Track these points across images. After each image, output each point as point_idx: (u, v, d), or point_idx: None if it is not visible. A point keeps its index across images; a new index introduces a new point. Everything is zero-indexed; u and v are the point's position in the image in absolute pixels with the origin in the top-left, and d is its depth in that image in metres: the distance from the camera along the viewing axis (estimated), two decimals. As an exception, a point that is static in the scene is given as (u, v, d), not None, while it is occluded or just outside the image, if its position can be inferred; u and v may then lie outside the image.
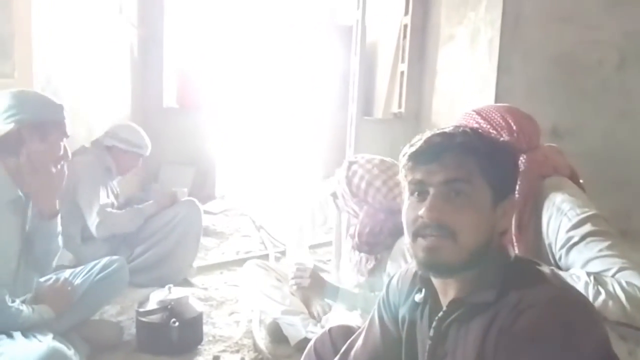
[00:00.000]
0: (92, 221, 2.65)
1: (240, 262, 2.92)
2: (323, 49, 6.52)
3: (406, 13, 5.25)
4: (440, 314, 1.02)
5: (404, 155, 1.02)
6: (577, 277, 1.21)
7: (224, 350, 2.22)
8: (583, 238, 1.27)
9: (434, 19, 4.93)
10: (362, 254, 2.01)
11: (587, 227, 1.28)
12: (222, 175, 5.75)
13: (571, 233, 1.29)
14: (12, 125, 1.69)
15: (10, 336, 1.59)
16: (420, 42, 5.14)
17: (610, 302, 1.15)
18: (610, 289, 1.17)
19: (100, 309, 2.30)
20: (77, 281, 2.10)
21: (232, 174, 6.61)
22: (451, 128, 1.02)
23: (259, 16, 7.91)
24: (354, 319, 1.89)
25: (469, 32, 4.14)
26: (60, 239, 1.95)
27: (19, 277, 1.76)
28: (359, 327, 1.51)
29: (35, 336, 1.64)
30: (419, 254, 0.98)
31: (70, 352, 1.56)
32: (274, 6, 7.86)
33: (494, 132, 1.44)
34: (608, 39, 3.72)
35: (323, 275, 2.22)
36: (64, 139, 1.83)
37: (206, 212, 4.45)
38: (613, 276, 1.20)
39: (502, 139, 1.35)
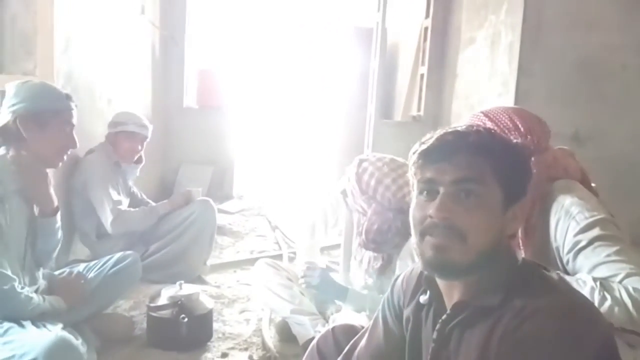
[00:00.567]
0: (106, 218, 2.70)
1: (253, 262, 2.92)
2: (343, 50, 6.51)
3: (427, 16, 5.23)
4: (444, 316, 1.00)
5: (414, 153, 1.00)
6: (583, 282, 1.19)
7: (232, 348, 2.23)
8: (591, 242, 1.24)
9: (454, 22, 4.90)
10: (370, 253, 2.01)
11: (596, 232, 1.25)
12: (240, 175, 5.79)
13: (579, 237, 1.26)
14: (10, 116, 1.74)
15: (20, 325, 1.62)
16: (441, 45, 5.11)
17: (617, 308, 1.13)
18: (617, 294, 1.14)
19: (112, 302, 2.33)
20: (91, 275, 2.14)
21: (250, 174, 6.65)
22: (464, 127, 1.00)
23: (280, 17, 7.95)
24: (361, 319, 1.88)
25: (489, 36, 4.10)
26: (60, 233, 1.97)
27: (25, 267, 1.80)
28: (363, 326, 1.50)
29: (45, 326, 1.67)
30: (427, 252, 0.96)
31: (78, 342, 1.58)
32: (295, 7, 7.88)
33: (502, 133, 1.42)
34: (631, 43, 3.65)
35: (332, 275, 2.22)
36: (69, 128, 1.86)
37: (223, 211, 4.50)
38: (620, 282, 1.17)
39: (515, 140, 1.32)
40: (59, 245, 2.00)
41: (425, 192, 0.98)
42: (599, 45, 3.63)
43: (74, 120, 1.89)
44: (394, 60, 6.42)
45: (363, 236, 1.93)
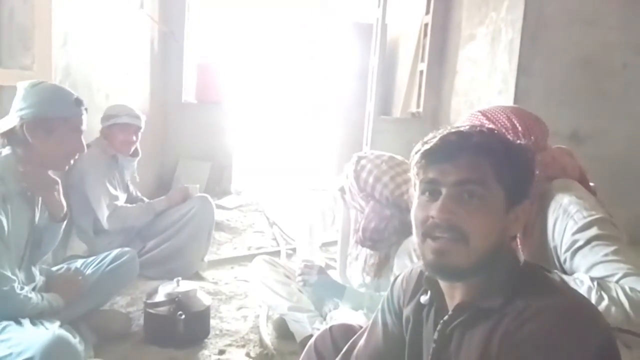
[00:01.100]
0: (102, 214, 2.69)
1: (251, 258, 2.93)
2: (342, 46, 6.50)
3: (427, 12, 5.22)
4: (446, 317, 1.00)
5: (416, 153, 0.99)
6: (581, 282, 1.19)
7: (230, 345, 2.23)
8: (588, 242, 1.24)
9: (455, 19, 4.89)
10: (367, 251, 2.00)
11: (593, 231, 1.25)
12: (238, 171, 5.78)
13: (577, 236, 1.26)
14: (18, 120, 1.71)
15: (18, 323, 1.62)
16: (441, 41, 5.10)
17: (613, 308, 1.12)
18: (614, 294, 1.14)
19: (110, 299, 2.33)
20: (88, 271, 2.13)
21: (249, 170, 6.64)
22: (467, 127, 0.99)
23: (279, 13, 7.93)
24: (358, 318, 1.88)
25: (489, 33, 4.09)
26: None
27: (22, 266, 1.79)
28: (361, 326, 1.50)
29: (42, 323, 1.67)
30: (428, 256, 0.96)
31: (75, 340, 1.58)
32: (294, 3, 7.86)
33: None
34: (633, 41, 3.64)
35: (330, 273, 2.22)
36: (78, 134, 1.83)
37: (221, 207, 4.49)
38: (617, 282, 1.17)
39: (519, 142, 1.32)
40: (58, 241, 2.00)
41: (427, 192, 0.98)
42: (600, 43, 3.63)
43: (84, 126, 1.85)
44: (394, 56, 6.41)
45: (360, 233, 1.93)
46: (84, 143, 1.87)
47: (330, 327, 1.49)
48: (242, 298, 2.74)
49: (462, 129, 0.99)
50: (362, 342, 1.24)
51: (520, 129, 1.39)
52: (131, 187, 3.06)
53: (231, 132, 5.43)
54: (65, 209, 1.90)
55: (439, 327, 1.01)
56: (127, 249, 2.31)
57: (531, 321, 0.86)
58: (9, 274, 1.64)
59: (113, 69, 3.53)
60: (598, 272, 1.20)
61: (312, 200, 4.99)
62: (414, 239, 1.01)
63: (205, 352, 2.15)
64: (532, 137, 1.39)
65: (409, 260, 1.74)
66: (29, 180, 1.77)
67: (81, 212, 2.74)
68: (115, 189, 2.81)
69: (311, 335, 2.02)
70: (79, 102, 1.82)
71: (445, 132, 0.98)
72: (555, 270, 1.25)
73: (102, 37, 3.27)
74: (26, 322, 1.64)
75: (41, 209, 1.86)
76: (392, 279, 1.79)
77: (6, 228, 1.64)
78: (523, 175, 0.98)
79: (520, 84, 3.66)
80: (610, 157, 3.60)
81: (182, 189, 3.11)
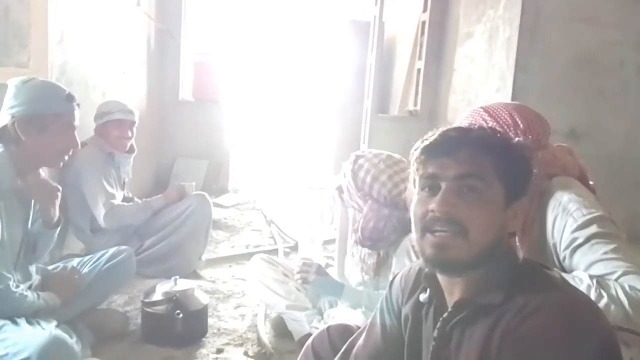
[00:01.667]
0: (99, 212, 2.68)
1: (249, 257, 2.92)
2: (340, 44, 6.49)
3: (425, 10, 5.20)
4: (446, 315, 1.00)
5: (417, 149, 1.00)
6: (580, 280, 1.19)
7: (228, 344, 2.22)
8: (588, 240, 1.24)
9: (452, 17, 4.88)
10: (366, 250, 2.00)
11: (593, 229, 1.25)
12: (236, 170, 5.77)
13: (576, 234, 1.26)
14: (9, 119, 1.70)
15: (15, 323, 1.61)
16: (439, 39, 5.09)
17: (613, 307, 1.12)
18: (613, 293, 1.14)
19: (107, 298, 2.32)
20: (85, 270, 2.13)
21: (246, 168, 6.63)
22: (467, 124, 1.01)
23: (276, 10, 7.91)
24: (356, 316, 1.87)
25: (487, 30, 4.09)
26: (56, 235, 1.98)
27: (18, 264, 1.78)
28: (359, 326, 1.50)
29: (39, 323, 1.66)
30: (427, 250, 0.96)
31: (72, 340, 1.58)
32: (292, 0, 7.85)
33: (501, 130, 1.41)
34: (630, 40, 3.65)
35: (329, 271, 2.22)
36: (71, 130, 1.82)
37: (218, 205, 4.48)
38: (617, 280, 1.17)
39: (518, 139, 1.32)
40: (53, 245, 1.99)
41: (427, 188, 0.98)
42: (597, 41, 3.63)
43: (76, 122, 1.83)
44: (391, 54, 6.39)
45: (359, 234, 1.93)
46: (78, 139, 1.86)
47: (328, 328, 1.48)
48: (240, 297, 2.73)
49: (462, 125, 1.00)
50: (361, 341, 1.23)
51: (522, 126, 1.39)
52: (125, 189, 3.05)
53: (229, 130, 5.42)
54: (57, 217, 1.88)
55: (438, 324, 1.01)
56: (124, 247, 2.30)
57: (532, 318, 0.86)
58: (4, 272, 1.63)
59: (110, 67, 3.52)
60: (597, 270, 1.20)
61: (310, 199, 4.98)
62: (413, 235, 1.02)
63: (203, 351, 2.15)
64: (534, 135, 1.39)
65: (408, 260, 1.74)
66: (31, 189, 1.77)
67: (78, 211, 2.73)
68: (112, 187, 2.80)
69: (309, 334, 2.02)
70: (70, 98, 1.80)
71: (445, 129, 0.99)
72: (555, 269, 1.25)
73: (98, 35, 3.25)
74: (23, 322, 1.63)
75: (34, 209, 1.86)
76: (390, 278, 1.79)
77: (0, 226, 1.63)
78: (522, 172, 0.99)
79: (518, 81, 3.66)
80: (608, 154, 3.60)
81: (179, 187, 3.10)
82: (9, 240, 1.69)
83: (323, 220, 2.39)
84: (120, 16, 3.73)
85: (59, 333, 1.55)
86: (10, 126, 1.71)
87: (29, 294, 1.72)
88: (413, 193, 1.03)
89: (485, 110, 1.45)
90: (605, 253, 1.21)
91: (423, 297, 1.08)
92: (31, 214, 1.84)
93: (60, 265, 2.13)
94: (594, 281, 1.17)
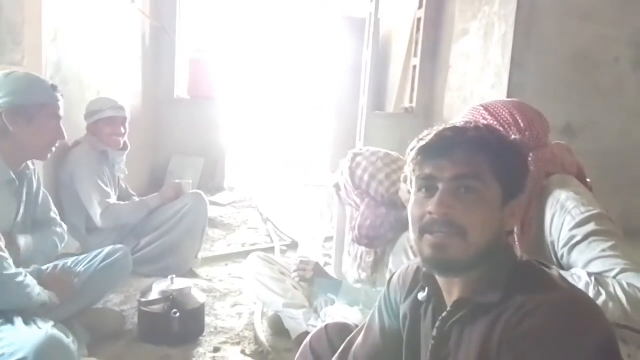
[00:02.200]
0: (95, 211, 2.66)
1: (245, 255, 2.92)
2: (335, 41, 6.47)
3: (420, 6, 5.20)
4: (444, 313, 1.00)
5: (412, 150, 1.00)
6: (578, 277, 1.19)
7: (225, 342, 2.22)
8: (586, 237, 1.24)
9: (448, 13, 4.88)
10: (363, 248, 2.00)
11: (591, 227, 1.25)
12: (231, 167, 5.76)
13: (574, 232, 1.26)
14: None
15: (10, 322, 1.60)
16: (434, 36, 5.09)
17: (611, 304, 1.13)
18: (611, 290, 1.14)
19: (103, 297, 2.31)
20: (80, 269, 2.11)
21: (242, 166, 6.62)
22: (463, 123, 1.00)
23: (272, 7, 7.89)
24: (353, 313, 1.87)
25: (482, 27, 4.09)
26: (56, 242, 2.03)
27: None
28: (356, 324, 1.50)
29: (35, 323, 1.65)
30: (426, 251, 0.96)
31: (69, 340, 1.56)
32: (288, -2, 7.83)
33: (501, 128, 1.40)
34: (625, 36, 3.65)
35: (326, 269, 2.21)
36: (57, 120, 1.84)
37: (214, 203, 4.47)
38: (615, 277, 1.17)
39: (514, 137, 1.32)
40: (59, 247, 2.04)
41: (424, 188, 0.98)
42: (592, 37, 3.63)
43: (61, 112, 1.86)
44: (387, 51, 6.39)
45: (356, 231, 1.93)
46: (64, 130, 1.88)
47: (326, 326, 1.48)
48: (236, 295, 2.73)
49: (457, 124, 1.00)
50: (359, 340, 1.23)
51: (522, 124, 1.39)
52: (123, 183, 3.04)
53: (224, 127, 5.40)
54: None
55: (437, 323, 1.01)
56: (119, 246, 2.29)
57: (531, 316, 0.86)
58: (6, 255, 1.64)
59: (104, 64, 3.49)
60: (596, 267, 1.20)
61: (306, 196, 4.98)
62: (411, 236, 1.01)
63: (200, 349, 2.14)
64: (534, 133, 1.38)
65: (405, 257, 1.74)
66: (48, 281, 1.87)
67: (73, 211, 2.71)
68: (107, 185, 2.78)
69: (306, 332, 2.02)
70: (54, 88, 1.84)
71: (440, 128, 0.99)
72: (554, 266, 1.25)
73: (93, 32, 3.23)
74: (19, 321, 1.62)
75: (26, 203, 1.86)
76: (387, 275, 1.79)
77: None
78: (518, 170, 0.99)
79: (514, 78, 3.66)
80: (603, 150, 3.61)
81: (174, 185, 3.08)
82: (3, 228, 1.71)
83: (322, 218, 2.39)
84: (115, 13, 3.70)
85: (55, 332, 1.54)
86: None
87: (32, 282, 1.72)
88: (406, 192, 1.03)
89: (485, 108, 1.45)
90: (603, 250, 1.21)
91: (421, 296, 1.08)
92: (22, 205, 1.84)
93: (57, 264, 2.11)
94: (592, 278, 1.17)
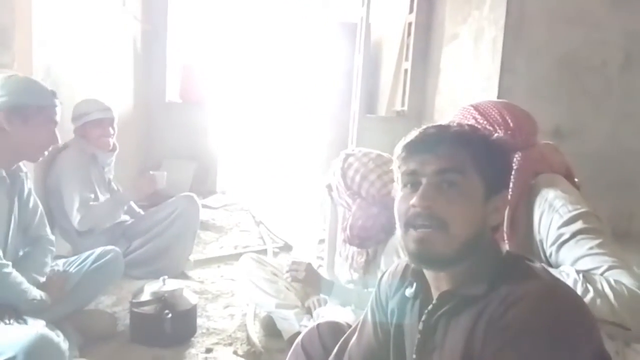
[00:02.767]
0: (74, 218, 2.63)
1: (237, 257, 2.92)
2: (327, 45, 6.50)
3: (411, 11, 5.23)
4: (430, 306, 1.01)
5: (398, 147, 1.02)
6: (567, 274, 1.20)
7: (217, 343, 2.22)
8: (574, 235, 1.26)
9: (438, 17, 4.91)
10: (354, 248, 2.01)
11: (579, 225, 1.26)
12: (223, 171, 5.75)
13: (562, 230, 1.28)
14: None
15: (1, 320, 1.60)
16: (425, 40, 5.11)
17: (599, 300, 1.14)
18: (599, 287, 1.15)
19: (94, 299, 2.30)
20: (71, 270, 2.11)
21: (234, 169, 6.61)
22: (447, 122, 1.03)
23: (263, 12, 7.90)
24: (346, 314, 1.88)
25: (472, 31, 4.12)
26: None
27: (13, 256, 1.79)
28: (348, 324, 1.50)
29: (26, 322, 1.65)
30: (411, 245, 0.97)
31: (59, 339, 1.56)
32: (279, 2, 7.84)
33: (491, 128, 1.42)
34: (613, 39, 3.69)
35: (318, 270, 2.22)
36: (52, 125, 1.86)
37: (206, 206, 4.47)
38: (602, 274, 1.18)
39: (496, 134, 1.34)
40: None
41: (409, 184, 1.00)
42: (581, 41, 3.67)
43: (57, 118, 1.89)
44: (378, 55, 6.42)
45: (347, 232, 1.93)
46: (58, 135, 1.90)
47: (318, 325, 1.48)
48: (228, 296, 2.73)
49: (441, 123, 1.03)
50: (354, 340, 1.24)
51: (511, 124, 1.41)
52: (114, 185, 3.02)
53: (216, 131, 5.40)
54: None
55: (423, 317, 1.02)
56: (110, 247, 2.29)
57: (515, 307, 0.87)
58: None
59: (95, 68, 3.49)
60: (583, 265, 1.22)
61: (299, 199, 4.98)
62: (398, 231, 1.03)
63: (192, 350, 2.14)
64: (523, 133, 1.41)
65: (396, 257, 1.75)
66: (42, 286, 1.88)
67: (63, 214, 2.70)
68: (98, 188, 2.77)
69: (299, 333, 2.01)
70: (53, 94, 1.88)
71: (425, 126, 1.02)
72: (541, 263, 1.26)
73: (84, 36, 3.23)
74: (9, 320, 1.62)
75: (18, 204, 1.87)
76: (379, 275, 1.80)
77: None
78: (501, 166, 1.02)
79: (504, 81, 3.68)
80: (591, 153, 3.64)
81: (148, 177, 2.98)
82: None
83: (315, 220, 2.39)
84: (106, 17, 3.70)
85: (46, 331, 1.53)
86: None
87: (20, 276, 1.73)
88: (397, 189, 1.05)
89: (475, 108, 1.47)
90: (591, 248, 1.23)
91: (409, 292, 1.09)
92: (16, 202, 1.85)
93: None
94: (580, 275, 1.18)
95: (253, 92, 8.93)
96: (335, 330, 1.44)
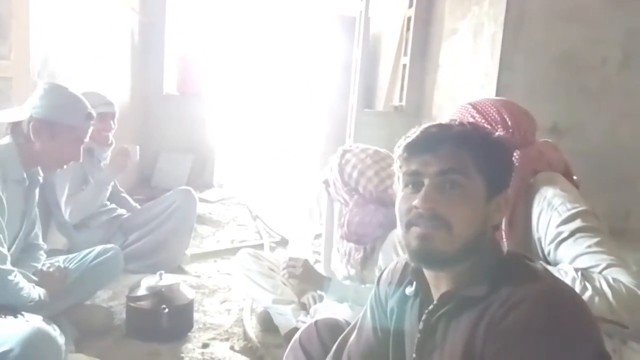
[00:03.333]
0: (64, 210, 2.63)
1: (234, 251, 2.92)
2: (326, 39, 6.47)
3: (410, 5, 5.21)
4: (431, 307, 1.01)
5: (399, 147, 1.01)
6: (565, 272, 1.21)
7: (213, 338, 2.22)
8: (572, 234, 1.26)
9: (437, 12, 4.90)
10: (351, 245, 2.00)
11: (577, 223, 1.27)
12: (220, 164, 5.74)
13: (561, 228, 1.28)
14: (28, 116, 1.78)
15: (-1, 315, 1.59)
16: (424, 35, 5.10)
17: (597, 298, 1.14)
18: (597, 285, 1.16)
19: (92, 295, 2.31)
20: (71, 266, 2.11)
21: (231, 162, 6.60)
22: (447, 121, 1.02)
23: (262, 4, 7.87)
24: (342, 310, 1.88)
25: (472, 27, 4.11)
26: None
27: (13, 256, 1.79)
28: (346, 320, 1.50)
29: (23, 316, 1.65)
30: (413, 242, 0.97)
31: (55, 333, 1.56)
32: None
33: (489, 126, 1.42)
34: (612, 37, 3.69)
35: (315, 265, 2.22)
36: (79, 145, 1.89)
37: (203, 200, 4.46)
38: (600, 272, 1.19)
39: (497, 133, 1.34)
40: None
41: (410, 184, 0.99)
42: (580, 38, 3.66)
43: (87, 139, 1.92)
44: (377, 49, 6.40)
45: (345, 228, 1.93)
46: (82, 153, 1.93)
47: (316, 322, 1.48)
48: (225, 291, 2.73)
49: (442, 122, 1.02)
50: (352, 339, 1.24)
51: (510, 123, 1.41)
52: None
53: (213, 124, 5.38)
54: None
55: (424, 316, 1.02)
56: (110, 245, 2.29)
57: (516, 309, 0.87)
58: (5, 251, 1.66)
59: (93, 59, 3.47)
60: (582, 263, 1.22)
61: (296, 193, 4.98)
62: (398, 230, 1.03)
63: (189, 345, 2.14)
64: (521, 131, 1.41)
65: (394, 254, 1.75)
66: (41, 278, 1.89)
67: (57, 208, 2.68)
68: (92, 181, 2.75)
69: (296, 328, 2.02)
70: (90, 117, 1.90)
71: (426, 126, 1.01)
72: (540, 261, 1.27)
73: (81, 27, 3.21)
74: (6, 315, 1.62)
75: (31, 206, 1.89)
76: (377, 271, 1.80)
77: (5, 207, 1.67)
78: (502, 166, 1.01)
79: (502, 78, 3.68)
80: (588, 150, 3.64)
81: (121, 150, 2.88)
82: (10, 226, 1.72)
83: (312, 216, 2.39)
84: (103, 8, 3.68)
85: (43, 325, 1.54)
86: (26, 124, 1.78)
87: (20, 280, 1.72)
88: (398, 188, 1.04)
89: (474, 106, 1.47)
90: (589, 246, 1.23)
91: (409, 290, 1.09)
92: (31, 204, 1.87)
93: (46, 263, 2.10)
94: (579, 273, 1.19)
95: (251, 85, 8.90)
96: (333, 327, 1.44)
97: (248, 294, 2.36)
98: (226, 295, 2.68)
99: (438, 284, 1.01)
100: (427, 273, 1.03)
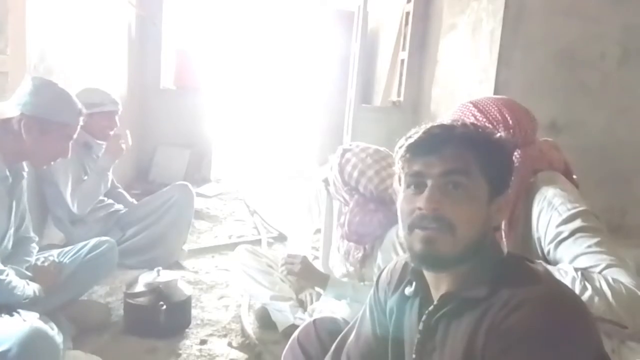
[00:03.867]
0: (72, 204, 2.62)
1: (232, 247, 2.92)
2: (324, 33, 6.44)
3: (408, 1, 5.20)
4: (431, 308, 1.01)
5: (400, 147, 1.01)
6: (565, 272, 1.21)
7: (211, 334, 2.22)
8: (572, 233, 1.26)
9: (436, 7, 4.88)
10: (351, 244, 2.00)
11: (577, 223, 1.27)
12: (218, 159, 5.73)
13: (561, 228, 1.28)
14: (18, 113, 1.75)
15: (-5, 314, 1.59)
16: (422, 30, 5.08)
17: (597, 298, 1.15)
18: (597, 285, 1.16)
19: (88, 289, 2.29)
20: (65, 260, 2.10)
21: (228, 157, 6.59)
22: (451, 120, 1.01)
23: (260, -1, 7.83)
24: (341, 307, 1.88)
25: (470, 22, 4.09)
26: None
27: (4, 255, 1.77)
28: (344, 318, 1.50)
29: (19, 314, 1.64)
30: (416, 245, 0.96)
31: (53, 332, 1.56)
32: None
33: (490, 125, 1.42)
34: (610, 33, 3.68)
35: (314, 263, 2.22)
36: (68, 141, 1.87)
37: (200, 195, 4.45)
38: (600, 272, 1.19)
39: (499, 134, 1.34)
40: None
41: (413, 185, 0.99)
42: (579, 34, 3.66)
43: (75, 135, 1.91)
44: (375, 45, 6.38)
45: (345, 227, 1.93)
46: (70, 150, 1.91)
47: (314, 321, 1.48)
48: (223, 287, 2.72)
49: (444, 122, 1.01)
50: (352, 338, 1.23)
51: (511, 122, 1.40)
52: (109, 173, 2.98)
53: (211, 119, 5.36)
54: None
55: (424, 317, 1.02)
56: (105, 238, 2.27)
57: (517, 311, 0.87)
58: None
59: (89, 53, 3.44)
60: (582, 263, 1.22)
61: (294, 188, 4.97)
62: (401, 232, 1.02)
63: (187, 342, 2.14)
64: (522, 131, 1.40)
65: (394, 253, 1.75)
66: (35, 273, 1.89)
67: (56, 203, 2.67)
68: (84, 175, 2.74)
69: (293, 325, 2.02)
70: (80, 113, 1.88)
71: (428, 126, 1.00)
72: (539, 261, 1.26)
73: (78, 21, 3.18)
74: (3, 314, 1.61)
75: (16, 202, 1.86)
76: (375, 270, 1.80)
77: None
78: (504, 167, 1.01)
79: (501, 74, 3.67)
80: (587, 147, 3.64)
81: (114, 136, 2.84)
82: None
83: (310, 212, 2.39)
84: (100, 2, 3.65)
85: (40, 324, 1.53)
86: (16, 121, 1.76)
87: (12, 277, 1.71)
88: (399, 190, 1.04)
89: (474, 105, 1.46)
90: (589, 246, 1.23)
91: (408, 291, 1.08)
92: (14, 203, 1.83)
93: (39, 257, 2.09)
94: (579, 273, 1.19)
95: (248, 79, 8.87)
96: (332, 326, 1.44)
97: (246, 290, 2.35)
98: (224, 291, 2.68)
99: (438, 284, 1.01)
100: (427, 274, 1.03)
